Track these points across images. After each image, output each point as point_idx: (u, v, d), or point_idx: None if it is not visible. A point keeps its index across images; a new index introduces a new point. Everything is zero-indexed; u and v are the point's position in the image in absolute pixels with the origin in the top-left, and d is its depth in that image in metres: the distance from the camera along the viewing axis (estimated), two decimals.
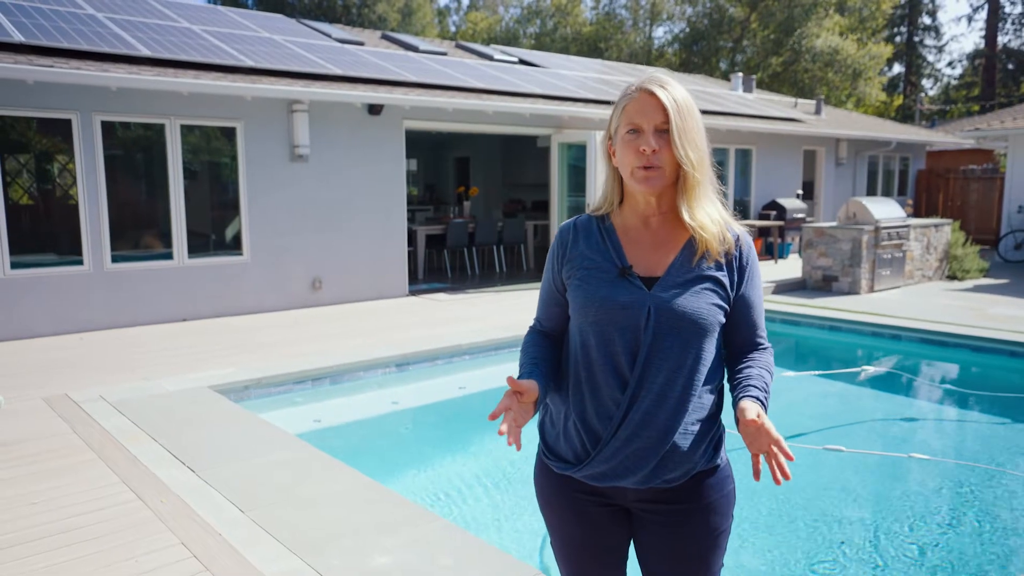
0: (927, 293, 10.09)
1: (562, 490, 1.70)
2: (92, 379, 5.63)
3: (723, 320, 1.65)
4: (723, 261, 1.64)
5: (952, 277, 11.56)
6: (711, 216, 1.63)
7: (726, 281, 1.64)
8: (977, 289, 10.46)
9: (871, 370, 6.94)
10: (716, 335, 1.65)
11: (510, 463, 4.70)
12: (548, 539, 3.65)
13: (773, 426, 1.50)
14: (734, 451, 1.78)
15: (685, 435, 1.61)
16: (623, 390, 1.61)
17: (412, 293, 9.89)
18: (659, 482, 1.62)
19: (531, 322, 1.87)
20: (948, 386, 6.76)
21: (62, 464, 3.92)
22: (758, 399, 1.58)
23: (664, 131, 1.58)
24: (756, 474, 1.55)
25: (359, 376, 6.16)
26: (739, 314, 1.68)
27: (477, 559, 2.93)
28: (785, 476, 1.47)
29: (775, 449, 1.48)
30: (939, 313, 8.41)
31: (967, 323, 7.79)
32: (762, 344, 1.72)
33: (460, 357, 6.74)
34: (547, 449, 1.73)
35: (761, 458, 1.55)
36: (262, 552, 2.95)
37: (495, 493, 4.27)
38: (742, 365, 1.68)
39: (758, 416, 1.50)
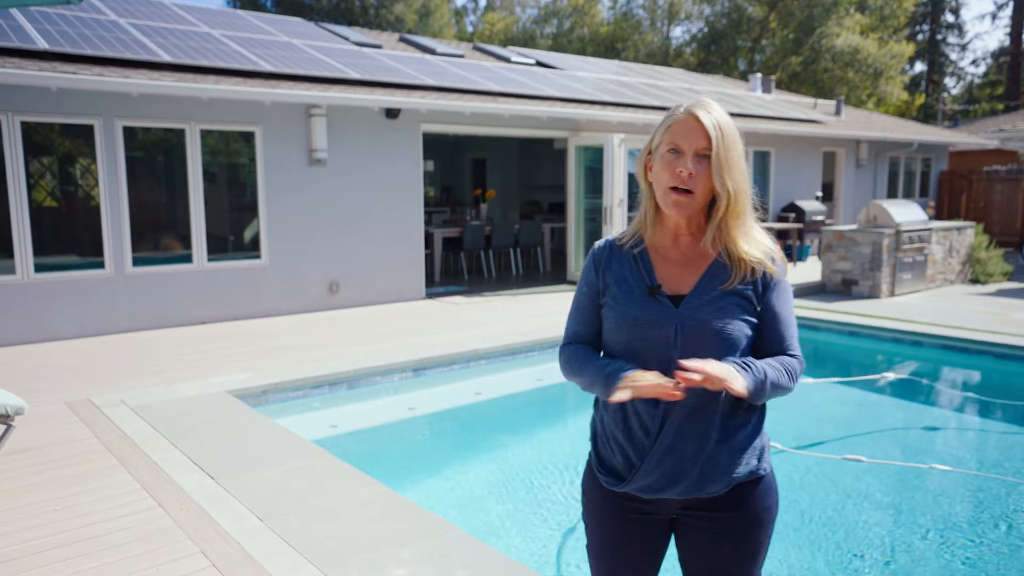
0: (949, 297, 9.97)
1: (608, 500, 1.77)
2: (113, 383, 5.70)
3: (750, 333, 1.67)
4: (749, 276, 1.68)
5: (975, 281, 11.41)
6: (760, 245, 1.68)
7: (751, 294, 1.67)
8: (1000, 293, 10.32)
9: (891, 376, 6.86)
10: (746, 348, 1.67)
11: (525, 471, 4.70)
12: (564, 549, 3.65)
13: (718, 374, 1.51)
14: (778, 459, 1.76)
15: (723, 447, 1.66)
16: (657, 405, 1.66)
17: (429, 296, 9.91)
18: (703, 493, 1.67)
19: (562, 342, 1.88)
20: (970, 394, 6.67)
21: (84, 470, 3.97)
22: (739, 365, 1.60)
23: (703, 156, 1.62)
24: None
25: (376, 381, 6.18)
26: (766, 326, 1.70)
27: (493, 570, 2.93)
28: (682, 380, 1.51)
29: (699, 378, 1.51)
30: (961, 318, 8.30)
31: (990, 329, 7.69)
32: (792, 354, 1.72)
33: (477, 362, 6.75)
34: (599, 463, 1.79)
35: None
36: (281, 563, 2.97)
37: (511, 501, 4.27)
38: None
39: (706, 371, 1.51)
